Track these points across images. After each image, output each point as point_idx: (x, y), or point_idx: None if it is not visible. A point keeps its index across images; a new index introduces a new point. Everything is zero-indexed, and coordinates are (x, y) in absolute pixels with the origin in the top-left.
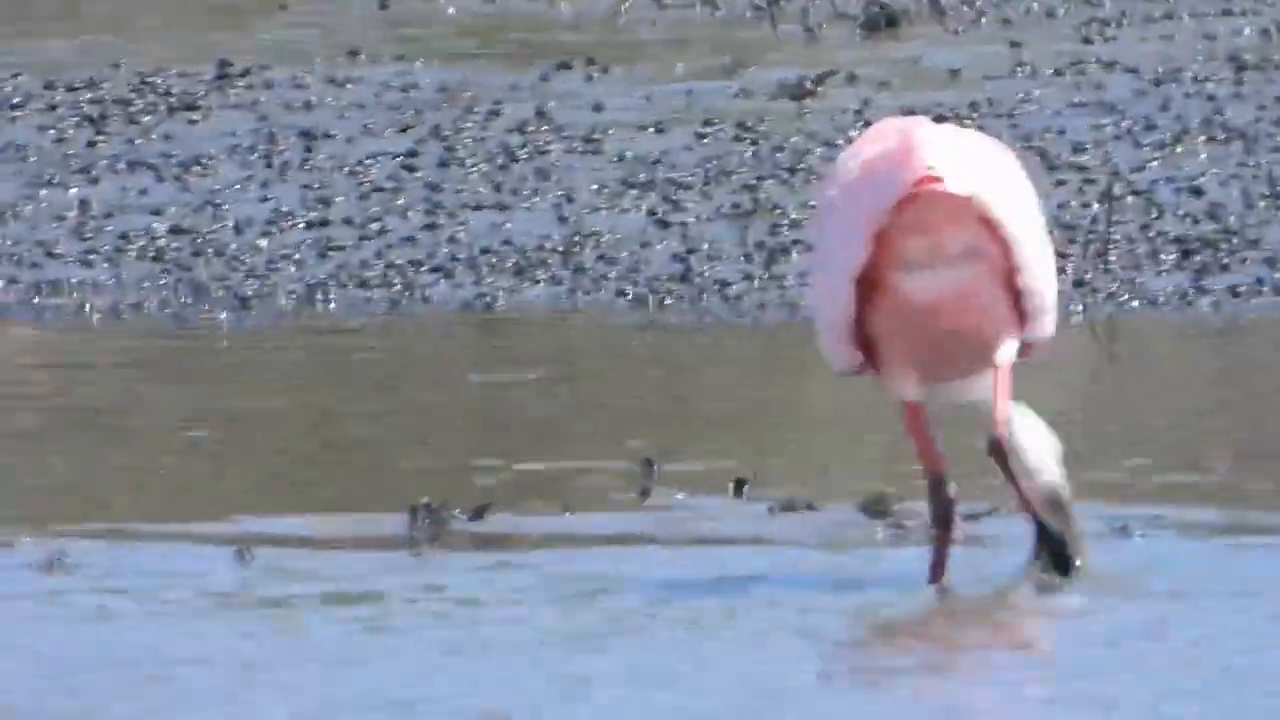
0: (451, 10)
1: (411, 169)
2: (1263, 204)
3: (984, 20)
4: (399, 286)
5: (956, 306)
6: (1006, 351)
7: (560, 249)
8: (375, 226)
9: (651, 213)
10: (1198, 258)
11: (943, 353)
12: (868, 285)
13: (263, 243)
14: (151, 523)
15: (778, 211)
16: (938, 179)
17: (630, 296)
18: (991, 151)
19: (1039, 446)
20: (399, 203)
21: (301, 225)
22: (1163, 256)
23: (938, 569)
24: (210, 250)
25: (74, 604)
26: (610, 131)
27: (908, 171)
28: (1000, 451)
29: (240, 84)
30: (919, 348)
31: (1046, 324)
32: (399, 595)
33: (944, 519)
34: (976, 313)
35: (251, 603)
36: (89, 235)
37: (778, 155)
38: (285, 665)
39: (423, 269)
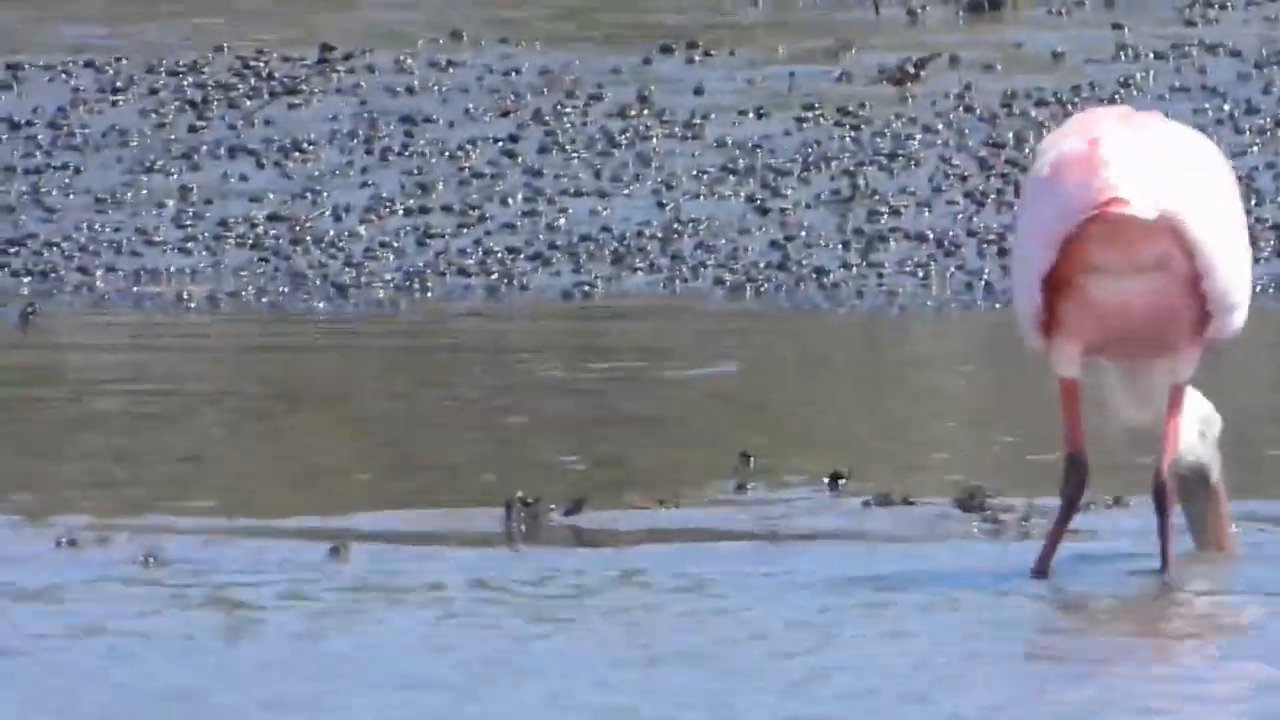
0: None
1: (512, 154)
2: None
3: (1087, 3)
4: (497, 274)
5: (1142, 310)
6: (1186, 365)
7: (659, 236)
8: (475, 213)
9: (750, 199)
10: None
11: (1123, 345)
12: (1057, 281)
13: (362, 230)
14: (248, 518)
15: (877, 198)
16: (1123, 199)
17: (728, 284)
18: (1181, 149)
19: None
20: (499, 189)
21: (401, 212)
22: (1262, 244)
23: (1045, 558)
24: (309, 238)
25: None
26: (711, 116)
27: (1092, 191)
28: (1162, 499)
29: (342, 67)
30: (1099, 338)
31: (1234, 320)
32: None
33: (1074, 497)
34: (1161, 316)
35: (347, 599)
36: (189, 222)
37: (878, 141)
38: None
39: (521, 256)
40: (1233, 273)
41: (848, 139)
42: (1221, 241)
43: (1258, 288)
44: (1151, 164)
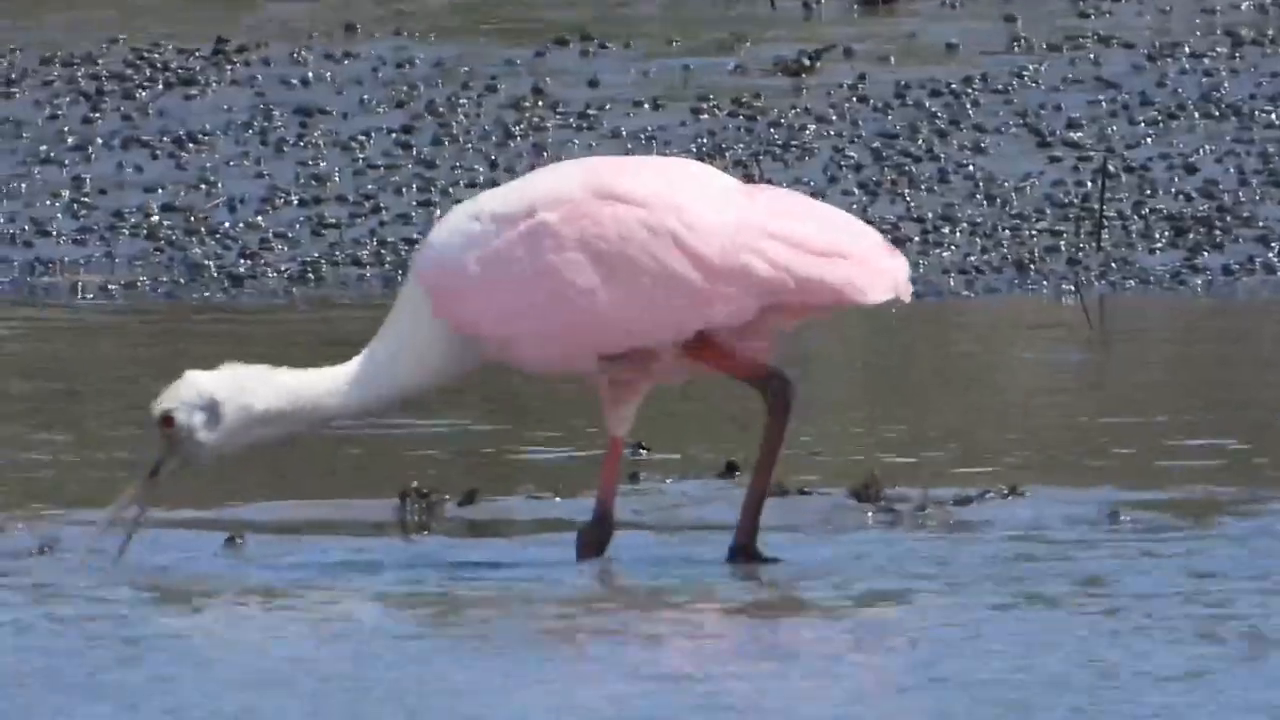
0: None
1: (406, 146)
2: (1256, 181)
3: None
4: (391, 265)
5: None
6: None
7: None
8: (369, 204)
9: None
10: (1191, 235)
11: None
12: None
13: (258, 220)
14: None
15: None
16: None
17: None
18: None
19: None
20: (394, 179)
21: (296, 203)
22: (1157, 234)
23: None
24: (204, 229)
25: None
26: (606, 107)
27: None
28: None
29: (237, 59)
30: None
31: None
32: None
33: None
34: None
35: (244, 589)
36: (83, 213)
37: (773, 131)
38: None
39: (417, 246)
40: None
41: (743, 130)
42: None
43: (1153, 277)
44: None
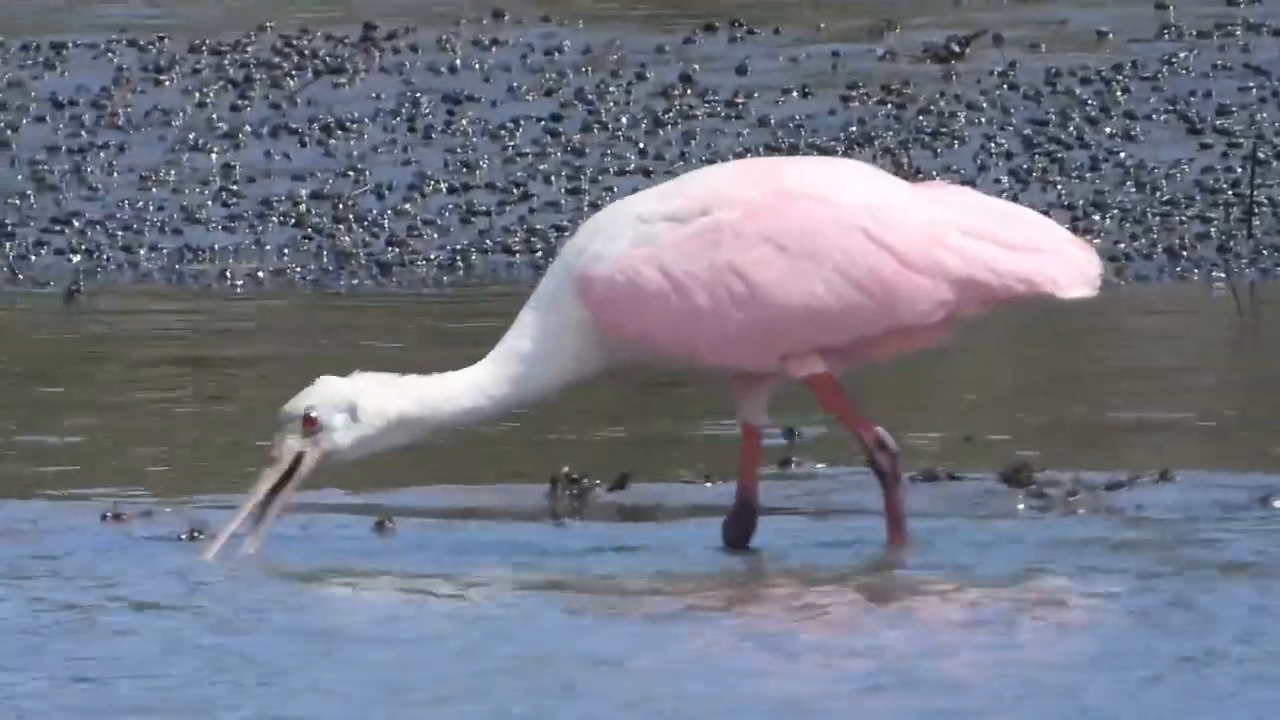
0: None
1: (555, 133)
2: None
3: None
4: (541, 252)
5: None
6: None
7: None
8: (518, 192)
9: None
10: None
11: None
12: None
13: (406, 207)
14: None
15: (921, 176)
16: None
17: None
18: None
19: None
20: (542, 167)
21: (444, 190)
22: None
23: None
24: (352, 216)
25: None
26: (754, 95)
27: None
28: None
29: (386, 46)
30: None
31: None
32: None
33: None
34: None
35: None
36: (232, 201)
37: (922, 119)
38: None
39: (565, 234)
40: None
41: (892, 117)
42: None
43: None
44: None
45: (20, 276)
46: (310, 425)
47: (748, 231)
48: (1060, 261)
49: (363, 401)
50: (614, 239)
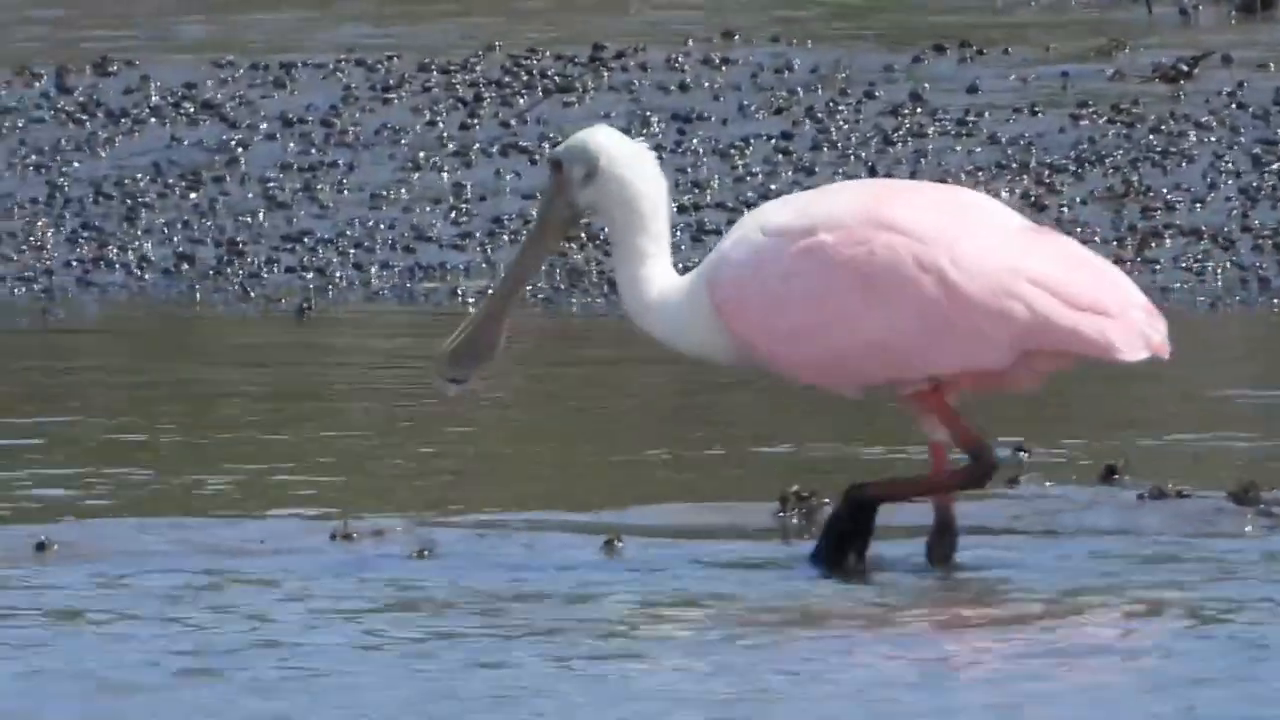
0: None
1: (786, 152)
2: None
3: None
4: None
5: None
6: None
7: None
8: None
9: (1025, 196)
10: None
11: None
12: None
13: None
14: (518, 512)
15: (1150, 194)
16: None
17: None
18: None
19: None
20: (773, 187)
21: (675, 209)
22: None
23: None
24: (584, 235)
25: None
26: (985, 114)
27: None
28: None
29: (615, 65)
30: None
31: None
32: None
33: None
34: None
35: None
36: (462, 220)
37: (1151, 138)
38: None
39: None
40: None
41: (1121, 136)
42: None
43: None
44: None
45: (252, 294)
46: (558, 172)
47: (836, 257)
48: (1122, 327)
49: (604, 164)
50: (739, 244)
